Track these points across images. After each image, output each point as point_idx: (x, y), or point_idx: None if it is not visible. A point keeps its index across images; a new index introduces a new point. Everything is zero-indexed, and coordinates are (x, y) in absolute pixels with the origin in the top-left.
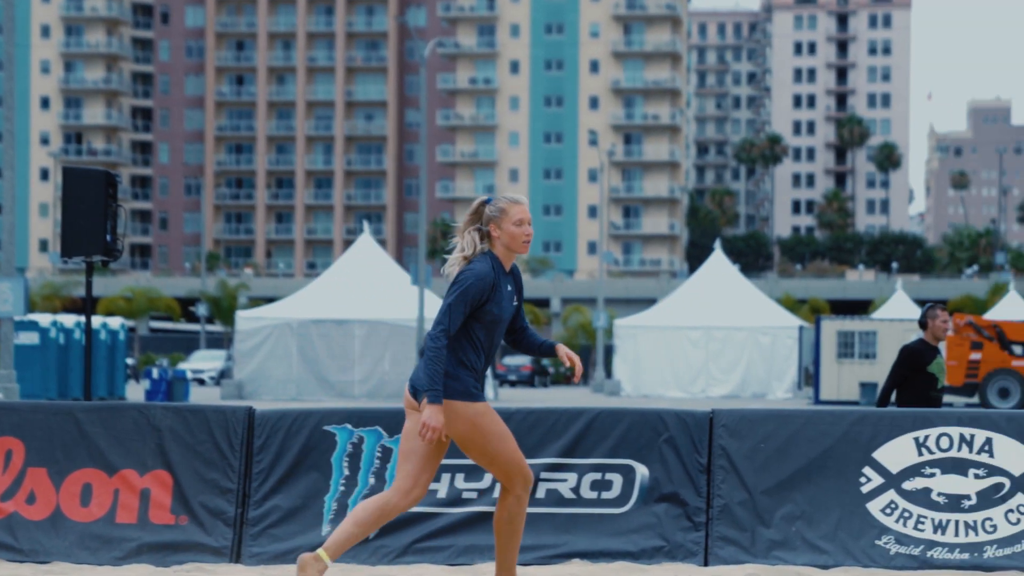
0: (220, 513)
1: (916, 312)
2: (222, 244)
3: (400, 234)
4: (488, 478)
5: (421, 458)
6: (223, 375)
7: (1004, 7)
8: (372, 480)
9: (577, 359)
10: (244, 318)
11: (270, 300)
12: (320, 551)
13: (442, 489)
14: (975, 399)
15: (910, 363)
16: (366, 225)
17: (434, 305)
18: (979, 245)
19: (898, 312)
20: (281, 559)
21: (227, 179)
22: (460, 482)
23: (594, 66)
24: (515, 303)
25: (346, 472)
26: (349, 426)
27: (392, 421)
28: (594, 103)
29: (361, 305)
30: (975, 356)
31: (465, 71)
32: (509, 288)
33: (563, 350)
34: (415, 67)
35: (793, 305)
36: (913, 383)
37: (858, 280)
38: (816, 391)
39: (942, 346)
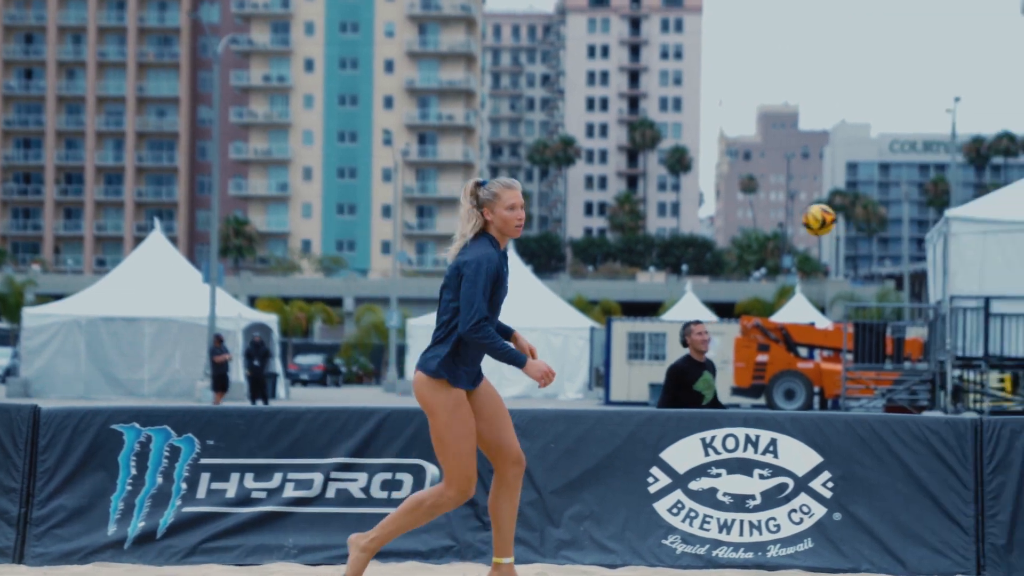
0: (3, 513)
1: (706, 314)
2: (9, 240)
3: (192, 231)
4: (278, 478)
5: (455, 442)
6: (9, 373)
7: (793, 15)
8: (160, 479)
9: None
10: (31, 315)
11: (58, 297)
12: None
13: (231, 489)
14: (762, 400)
15: (676, 381)
16: (157, 222)
17: (226, 303)
18: (767, 248)
19: (688, 314)
20: (65, 559)
21: (15, 174)
22: (249, 482)
23: (389, 66)
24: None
25: (133, 471)
26: (137, 425)
27: (180, 420)
28: (389, 103)
29: (151, 303)
30: (762, 358)
31: (259, 68)
32: (505, 269)
33: (521, 341)
34: (208, 64)
35: (585, 306)
36: (680, 401)
37: (649, 282)
38: (607, 392)
39: (729, 350)
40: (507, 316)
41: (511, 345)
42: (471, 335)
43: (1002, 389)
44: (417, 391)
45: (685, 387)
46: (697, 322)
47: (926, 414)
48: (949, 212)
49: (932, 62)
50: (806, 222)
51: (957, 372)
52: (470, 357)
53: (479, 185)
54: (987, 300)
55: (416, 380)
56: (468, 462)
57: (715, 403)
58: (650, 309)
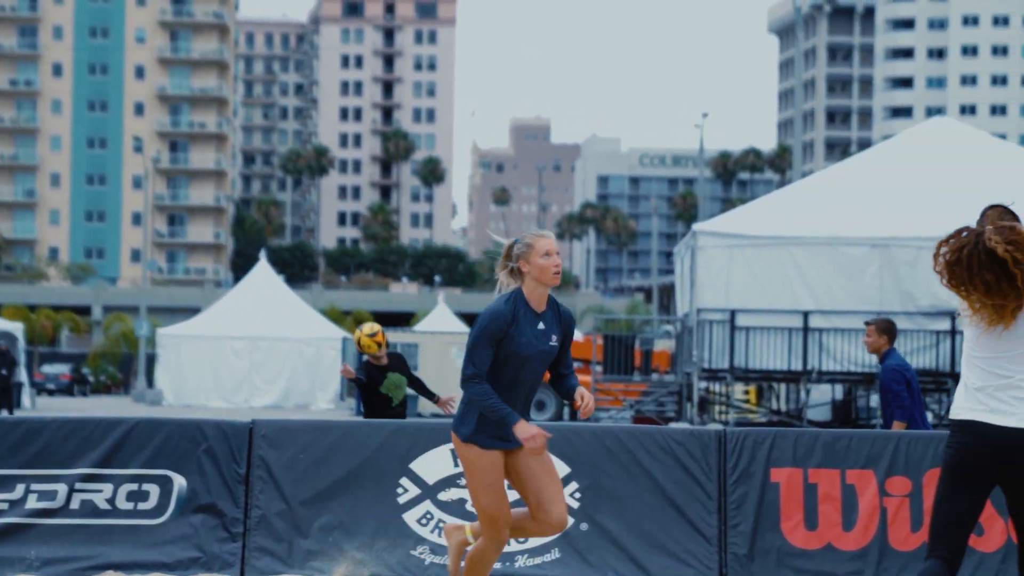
0: None
1: (458, 325)
2: None
3: None
4: (20, 489)
5: (536, 479)
6: None
7: (546, 29)
8: None
9: (588, 400)
10: None
11: None
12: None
13: None
14: None
15: (361, 388)
16: None
17: None
18: None
19: (440, 325)
20: None
21: None
22: None
23: (140, 72)
24: (551, 343)
25: None
26: None
27: None
28: (139, 109)
29: None
30: None
31: (5, 72)
32: (541, 326)
33: (580, 392)
34: None
35: (338, 316)
36: (372, 404)
37: (402, 292)
38: (358, 402)
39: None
40: (257, 326)
41: (503, 405)
42: (463, 388)
43: (747, 401)
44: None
45: (373, 391)
46: (371, 324)
47: (672, 425)
48: (696, 226)
49: (681, 78)
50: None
51: (703, 384)
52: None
53: (514, 244)
54: (733, 313)
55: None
56: (498, 511)
57: (401, 405)
58: (403, 319)
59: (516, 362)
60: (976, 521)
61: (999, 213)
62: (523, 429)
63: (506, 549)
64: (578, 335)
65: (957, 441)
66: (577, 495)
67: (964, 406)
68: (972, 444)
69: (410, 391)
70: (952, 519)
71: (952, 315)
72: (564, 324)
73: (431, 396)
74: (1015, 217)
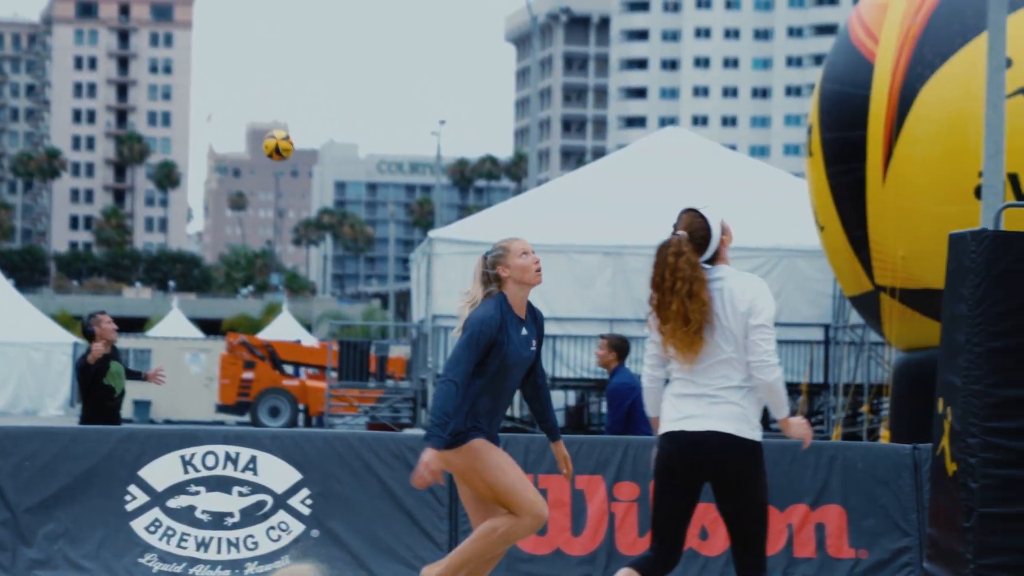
0: None
1: (192, 331)
2: None
3: None
4: None
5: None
6: None
7: (283, 35)
8: None
9: (569, 465)
10: None
11: None
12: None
13: None
14: (247, 418)
15: (85, 376)
16: None
17: None
18: (255, 265)
19: (174, 330)
20: None
21: None
22: None
23: None
24: (532, 348)
25: None
26: None
27: None
28: None
29: None
30: (248, 375)
31: None
32: (524, 332)
33: (560, 451)
34: None
35: (69, 321)
36: (92, 395)
37: (135, 297)
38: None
39: (214, 367)
40: None
41: (450, 420)
42: (439, 383)
43: None
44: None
45: (96, 381)
46: (103, 312)
47: (407, 432)
48: (433, 232)
49: (420, 85)
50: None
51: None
52: (485, 411)
53: (484, 258)
54: None
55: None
56: (523, 488)
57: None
58: (136, 325)
59: (503, 370)
60: (687, 520)
61: (693, 220)
62: (429, 455)
63: (234, 556)
64: (313, 341)
65: (660, 447)
66: (308, 502)
67: (665, 415)
68: (671, 450)
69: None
70: (662, 519)
71: None
72: (540, 328)
73: (138, 375)
74: (706, 221)
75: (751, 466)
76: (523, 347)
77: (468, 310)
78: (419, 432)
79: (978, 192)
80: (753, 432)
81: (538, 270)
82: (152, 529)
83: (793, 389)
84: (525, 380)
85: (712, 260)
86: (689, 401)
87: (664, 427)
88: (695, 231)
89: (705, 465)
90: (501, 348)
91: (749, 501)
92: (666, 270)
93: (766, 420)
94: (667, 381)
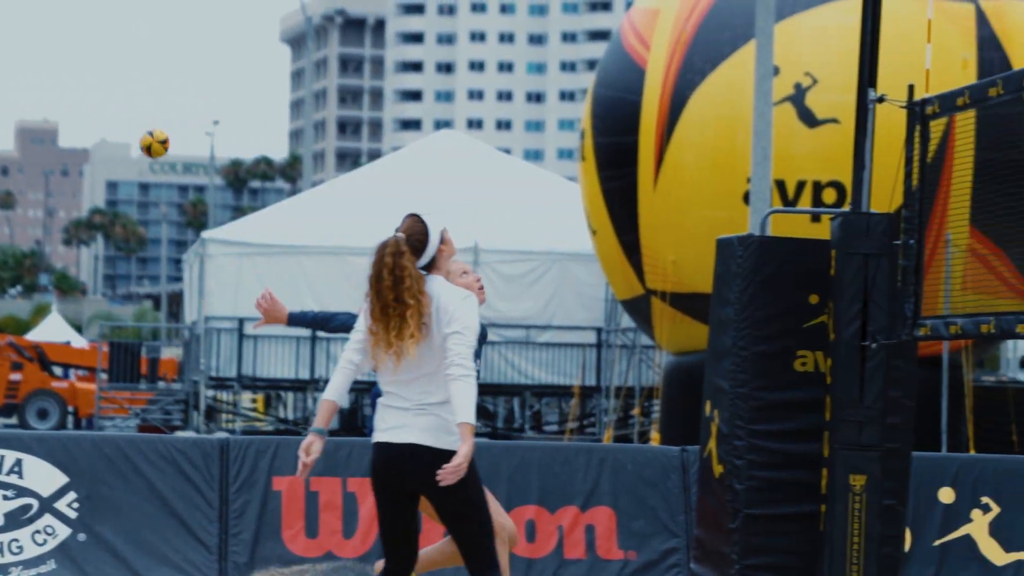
0: None
1: None
2: None
3: None
4: None
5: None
6: None
7: (51, 31)
8: None
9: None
10: None
11: None
12: None
13: None
14: (14, 420)
15: None
16: None
17: None
18: (24, 265)
19: None
20: None
21: None
22: None
23: None
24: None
25: None
26: None
27: None
28: None
29: None
30: (16, 377)
31: None
32: None
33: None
34: None
35: None
36: None
37: None
38: None
39: None
40: None
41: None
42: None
43: (255, 409)
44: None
45: None
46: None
47: (178, 434)
48: (206, 233)
49: (193, 86)
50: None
51: (211, 392)
52: None
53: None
54: (241, 321)
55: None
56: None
57: None
58: None
59: None
60: (410, 529)
61: (413, 224)
62: (470, 447)
63: (0, 560)
64: (83, 342)
65: (371, 459)
66: (75, 505)
67: (375, 424)
68: (377, 460)
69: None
70: (384, 529)
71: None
72: None
73: None
74: (425, 226)
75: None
76: None
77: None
78: (190, 434)
79: (746, 197)
80: (456, 442)
81: (481, 287)
82: None
83: (565, 392)
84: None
85: (428, 269)
86: (393, 412)
87: (374, 437)
88: (413, 235)
89: (408, 477)
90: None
91: (463, 507)
92: (383, 269)
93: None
94: (376, 384)
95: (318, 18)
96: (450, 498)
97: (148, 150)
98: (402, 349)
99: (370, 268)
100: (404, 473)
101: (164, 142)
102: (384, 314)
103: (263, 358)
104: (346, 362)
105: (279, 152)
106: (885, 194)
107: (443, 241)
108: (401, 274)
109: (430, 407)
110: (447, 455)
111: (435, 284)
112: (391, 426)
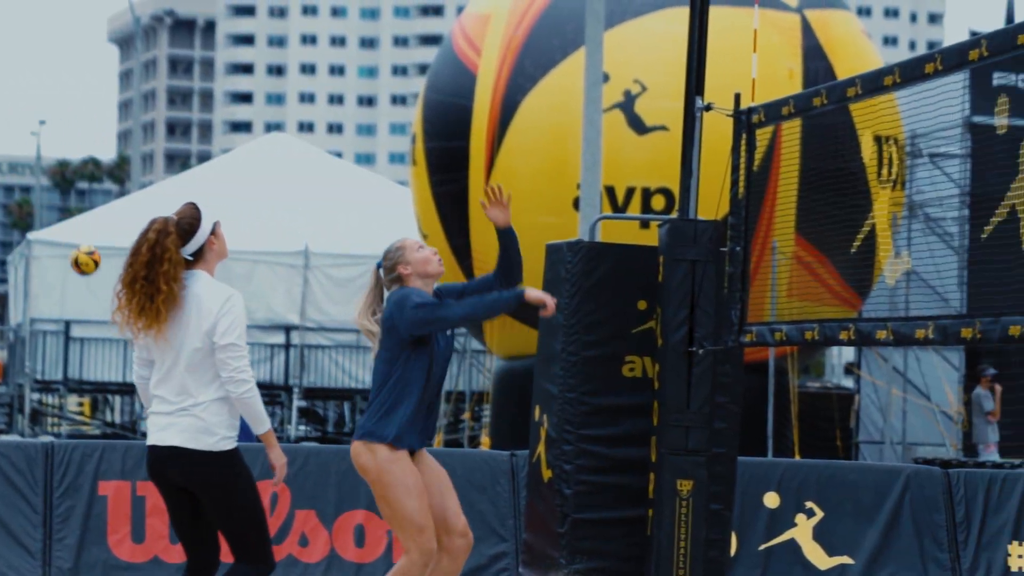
0: None
1: None
2: None
3: None
4: None
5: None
6: None
7: None
8: None
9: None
10: None
11: None
12: None
13: None
14: None
15: None
16: None
17: None
18: None
19: None
20: None
21: None
22: None
23: None
24: (449, 338)
25: None
26: None
27: None
28: None
29: None
30: None
31: None
32: None
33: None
34: None
35: None
36: None
37: None
38: None
39: None
40: None
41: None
42: (436, 316)
43: (81, 413)
44: (356, 459)
45: None
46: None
47: (2, 438)
48: (31, 234)
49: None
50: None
51: (36, 396)
52: (410, 417)
53: (377, 268)
54: (67, 324)
55: (354, 449)
56: (420, 516)
57: None
58: None
59: (431, 367)
60: (200, 526)
61: (186, 209)
62: (531, 291)
63: None
64: None
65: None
66: None
67: (148, 429)
68: (148, 462)
69: None
70: (176, 528)
71: (287, 328)
72: None
73: None
74: (199, 213)
75: (215, 476)
76: (445, 341)
77: (371, 319)
78: (15, 438)
79: (576, 203)
80: (217, 443)
81: (439, 260)
82: None
83: None
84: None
85: (196, 260)
86: (158, 416)
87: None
88: (184, 218)
89: (175, 478)
90: (428, 346)
91: (229, 508)
92: (144, 244)
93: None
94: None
95: (147, 18)
96: (217, 503)
97: (76, 263)
98: (140, 328)
99: (132, 245)
100: (170, 475)
101: (90, 253)
102: (131, 288)
103: (89, 361)
104: (138, 377)
105: (107, 153)
106: (713, 201)
107: (214, 233)
108: (161, 254)
109: (190, 408)
110: (207, 456)
111: (199, 280)
112: (157, 428)
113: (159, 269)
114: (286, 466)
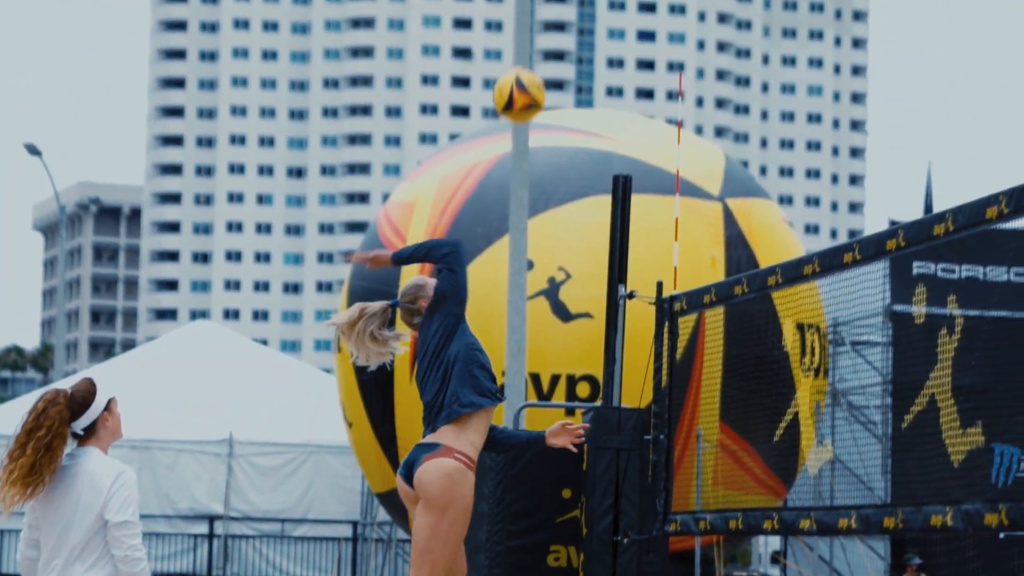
0: None
1: None
2: None
3: None
4: None
5: (448, 549)
6: None
7: None
8: None
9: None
10: None
11: None
12: None
13: None
14: None
15: None
16: None
17: None
18: None
19: None
20: None
21: None
22: None
23: None
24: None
25: None
26: None
27: None
28: None
29: None
30: None
31: None
32: None
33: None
34: None
35: None
36: None
37: None
38: None
39: None
40: None
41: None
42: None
43: None
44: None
45: None
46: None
47: None
48: None
49: None
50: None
51: None
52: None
53: (392, 306)
54: None
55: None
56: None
57: None
58: None
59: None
60: None
61: (81, 383)
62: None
63: None
64: None
65: None
66: None
67: None
68: None
69: None
70: None
71: (211, 517)
72: None
73: None
74: (94, 387)
75: None
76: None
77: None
78: None
79: (501, 391)
80: None
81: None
82: None
83: None
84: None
85: (88, 437)
86: None
87: None
88: (78, 392)
89: None
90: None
91: None
92: (32, 412)
93: None
94: None
95: (72, 206)
96: None
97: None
98: (10, 497)
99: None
100: None
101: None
102: (10, 457)
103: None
104: (24, 558)
105: (30, 341)
106: (637, 389)
107: (108, 410)
108: (42, 421)
109: None
110: None
111: (91, 457)
112: None
113: (36, 435)
114: None
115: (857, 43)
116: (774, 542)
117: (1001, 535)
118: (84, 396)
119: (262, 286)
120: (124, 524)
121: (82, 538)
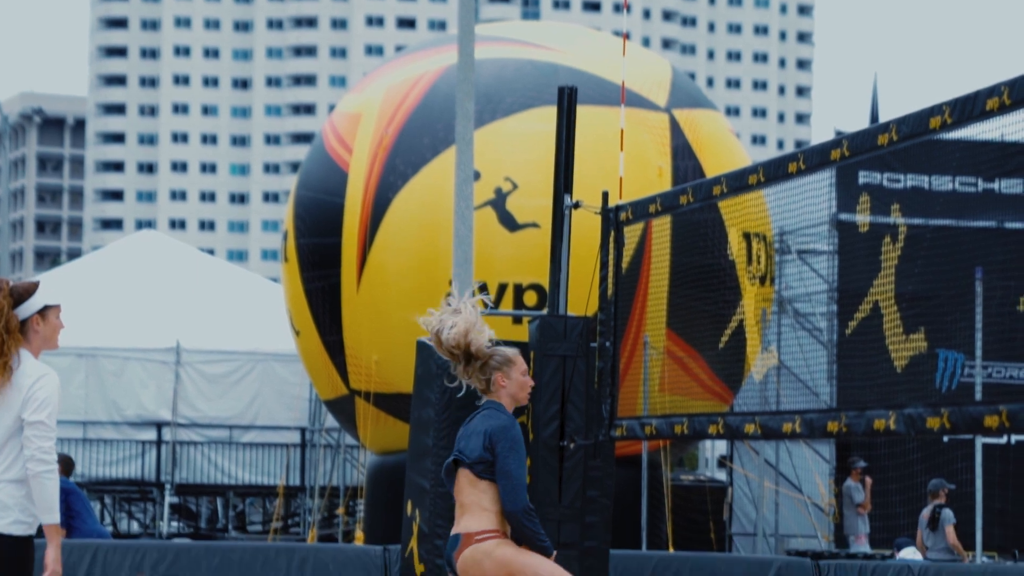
0: None
1: None
2: None
3: None
4: None
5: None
6: None
7: None
8: None
9: None
10: None
11: None
12: None
13: None
14: None
15: None
16: None
17: None
18: None
19: None
20: None
21: None
22: None
23: None
24: None
25: None
26: None
27: None
28: None
29: None
30: None
31: None
32: None
33: None
34: None
35: None
36: None
37: None
38: None
39: None
40: None
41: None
42: (524, 519)
43: None
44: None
45: None
46: None
47: None
48: None
49: None
50: None
51: None
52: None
53: (488, 346)
54: None
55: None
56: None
57: None
58: None
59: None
60: None
61: (29, 283)
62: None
63: None
64: None
65: None
66: None
67: None
68: None
69: None
70: None
71: (158, 424)
72: None
73: None
74: (37, 287)
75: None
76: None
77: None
78: None
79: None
80: (9, 525)
81: (530, 392)
82: None
83: (270, 492)
84: None
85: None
86: None
87: None
88: (20, 286)
89: None
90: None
91: None
92: None
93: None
94: None
95: (15, 116)
96: None
97: None
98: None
99: None
100: None
101: None
102: None
103: None
104: None
105: None
106: (583, 297)
107: (43, 316)
108: (2, 307)
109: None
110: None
111: (20, 356)
112: None
113: (8, 323)
114: (60, 573)
115: None
116: (721, 447)
117: (945, 438)
118: (25, 289)
119: (208, 196)
120: (37, 424)
121: (1, 437)
